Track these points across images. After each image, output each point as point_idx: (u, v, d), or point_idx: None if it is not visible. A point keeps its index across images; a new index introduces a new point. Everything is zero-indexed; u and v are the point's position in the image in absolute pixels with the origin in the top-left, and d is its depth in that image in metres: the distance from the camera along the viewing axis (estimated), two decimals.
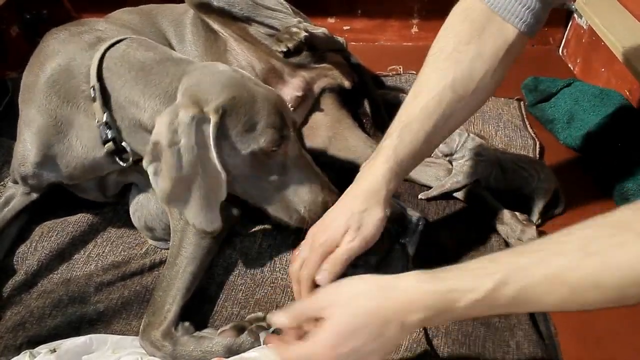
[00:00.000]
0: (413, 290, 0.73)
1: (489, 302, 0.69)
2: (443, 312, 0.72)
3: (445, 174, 1.29)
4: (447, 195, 1.28)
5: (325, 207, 1.00)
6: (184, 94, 0.93)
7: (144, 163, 0.92)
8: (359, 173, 0.99)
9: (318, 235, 0.95)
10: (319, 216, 0.99)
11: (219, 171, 0.91)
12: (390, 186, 0.96)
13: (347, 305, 0.75)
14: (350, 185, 0.98)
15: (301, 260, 0.96)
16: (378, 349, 0.75)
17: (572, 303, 0.67)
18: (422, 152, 1.00)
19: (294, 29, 1.23)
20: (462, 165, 1.24)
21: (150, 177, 0.92)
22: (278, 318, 0.82)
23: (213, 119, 0.90)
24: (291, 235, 1.17)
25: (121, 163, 1.04)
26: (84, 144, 1.05)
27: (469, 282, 0.70)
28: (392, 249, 1.06)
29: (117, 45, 1.03)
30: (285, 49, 1.21)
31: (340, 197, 0.98)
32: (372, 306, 0.74)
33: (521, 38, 0.97)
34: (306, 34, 1.22)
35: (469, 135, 1.24)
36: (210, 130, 0.90)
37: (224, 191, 0.93)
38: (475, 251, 1.17)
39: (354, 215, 0.94)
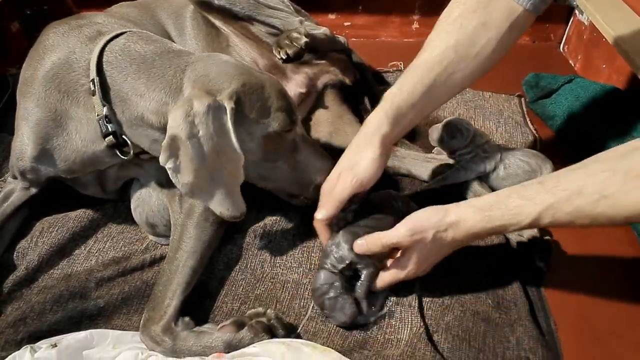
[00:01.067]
0: (474, 227, 0.93)
1: (525, 228, 0.92)
2: (493, 234, 0.99)
3: (446, 170, 1.28)
4: (447, 190, 1.28)
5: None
6: (195, 85, 0.94)
7: (161, 159, 0.91)
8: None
9: (326, 185, 1.05)
10: None
11: (239, 154, 0.94)
12: (385, 130, 1.03)
13: (430, 241, 0.95)
14: None
15: (320, 208, 1.05)
16: (443, 256, 1.00)
17: (590, 225, 0.87)
18: (422, 104, 1.05)
19: (295, 34, 1.23)
20: (466, 160, 1.24)
21: (169, 173, 0.93)
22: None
23: (229, 105, 0.92)
24: (291, 231, 1.18)
25: (122, 156, 1.04)
26: (83, 137, 1.05)
27: (512, 220, 0.90)
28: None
29: (117, 38, 1.03)
30: (285, 56, 1.21)
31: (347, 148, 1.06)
32: (448, 239, 0.95)
33: (526, 14, 1.02)
34: (306, 40, 1.22)
35: (476, 131, 1.24)
36: (228, 116, 0.92)
37: (243, 173, 0.97)
38: (474, 246, 1.17)
39: (348, 159, 1.04)
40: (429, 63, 1.04)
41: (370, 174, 1.02)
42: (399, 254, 1.00)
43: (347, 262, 1.00)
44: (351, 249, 0.99)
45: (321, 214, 1.04)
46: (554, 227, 1.10)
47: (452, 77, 1.04)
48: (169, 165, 0.92)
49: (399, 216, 1.01)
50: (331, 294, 1.00)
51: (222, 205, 0.97)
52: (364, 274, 1.01)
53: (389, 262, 1.02)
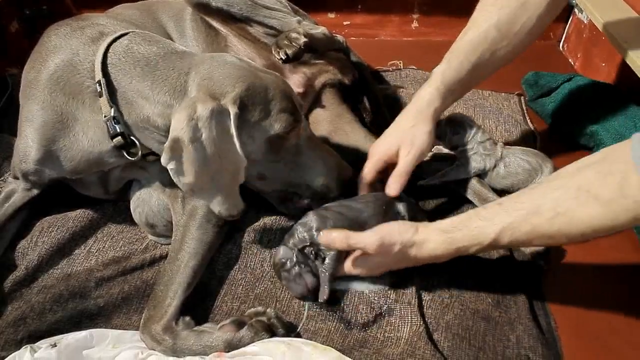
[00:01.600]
0: (433, 248, 0.95)
1: (489, 249, 0.97)
2: (457, 255, 0.96)
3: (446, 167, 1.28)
4: (446, 187, 1.28)
5: (341, 179, 1.11)
6: (199, 88, 0.95)
7: (163, 160, 0.92)
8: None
9: (375, 149, 1.14)
10: (336, 188, 1.11)
11: (242, 157, 0.95)
12: (436, 104, 1.11)
13: (389, 254, 0.96)
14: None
15: (364, 168, 1.14)
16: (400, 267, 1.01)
17: (551, 244, 0.94)
18: (467, 80, 1.14)
19: (294, 35, 1.23)
20: (467, 158, 1.24)
21: (171, 174, 0.94)
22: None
23: (233, 110, 0.93)
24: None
25: (129, 157, 1.04)
26: (90, 138, 1.05)
27: (474, 241, 0.92)
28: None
29: (120, 39, 1.03)
30: (284, 57, 1.21)
31: (395, 120, 1.14)
32: (409, 256, 0.97)
33: None
34: (305, 39, 1.22)
35: (479, 128, 1.24)
36: (232, 120, 0.93)
37: (243, 175, 0.98)
38: None
39: (405, 132, 1.11)
40: (474, 41, 1.11)
41: (426, 146, 1.11)
42: (357, 252, 1.01)
43: (307, 244, 1.02)
44: (317, 231, 1.01)
45: (396, 190, 1.09)
46: (515, 246, 1.13)
47: (495, 54, 1.11)
48: (170, 167, 0.92)
49: (382, 215, 1.06)
50: (287, 267, 1.03)
51: (221, 205, 0.99)
52: (328, 256, 1.02)
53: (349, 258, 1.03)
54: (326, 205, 1.08)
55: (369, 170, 1.13)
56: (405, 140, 1.10)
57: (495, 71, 1.18)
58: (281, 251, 1.04)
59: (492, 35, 1.09)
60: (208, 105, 0.91)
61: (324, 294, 1.01)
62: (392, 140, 1.12)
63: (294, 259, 1.03)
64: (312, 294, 1.04)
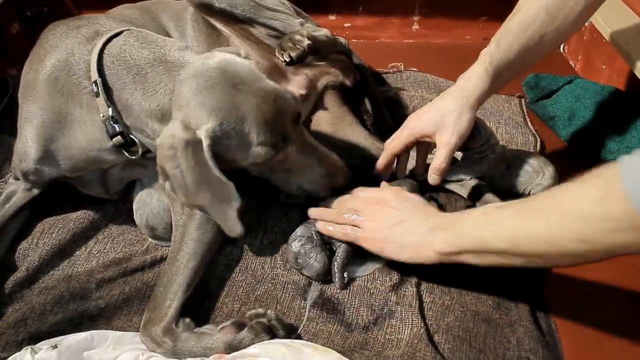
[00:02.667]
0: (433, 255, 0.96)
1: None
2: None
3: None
4: (447, 189, 1.28)
5: (330, 190, 1.12)
6: (177, 114, 0.94)
7: (160, 180, 0.96)
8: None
9: (411, 122, 1.14)
10: (322, 199, 1.13)
11: (225, 183, 0.95)
12: (484, 88, 1.09)
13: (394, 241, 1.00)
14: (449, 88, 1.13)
15: (393, 136, 1.16)
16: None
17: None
18: (516, 65, 1.12)
19: (297, 37, 1.23)
20: (475, 160, 1.23)
21: (167, 193, 0.98)
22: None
23: (205, 142, 0.92)
24: (292, 232, 1.17)
25: (129, 156, 1.05)
26: (88, 137, 1.05)
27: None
28: None
29: (115, 39, 1.03)
30: (288, 59, 1.21)
31: (437, 97, 1.12)
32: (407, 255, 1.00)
33: None
34: (309, 42, 1.22)
35: (491, 132, 1.22)
36: (205, 153, 0.92)
37: (237, 198, 0.97)
38: None
39: (447, 116, 1.08)
40: (523, 24, 1.09)
41: (467, 133, 1.10)
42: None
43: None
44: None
45: (437, 179, 1.12)
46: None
47: (543, 37, 1.09)
48: (166, 187, 0.96)
49: None
50: (307, 244, 1.07)
51: (223, 226, 1.00)
52: (340, 247, 1.07)
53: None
54: None
55: (399, 142, 1.15)
56: (446, 125, 1.08)
57: (541, 59, 1.18)
58: (299, 230, 1.10)
59: (542, 18, 1.08)
60: (183, 137, 0.91)
61: (340, 281, 1.06)
62: (431, 120, 1.10)
63: (312, 237, 1.07)
64: (322, 275, 1.07)
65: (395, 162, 1.22)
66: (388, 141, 1.17)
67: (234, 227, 0.98)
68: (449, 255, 0.94)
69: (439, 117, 1.09)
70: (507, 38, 1.10)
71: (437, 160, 1.10)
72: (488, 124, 1.51)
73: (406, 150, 1.17)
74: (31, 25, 1.90)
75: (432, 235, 0.96)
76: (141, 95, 0.98)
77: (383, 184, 1.14)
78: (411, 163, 1.25)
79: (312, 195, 1.12)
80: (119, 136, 1.01)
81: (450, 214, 1.00)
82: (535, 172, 1.20)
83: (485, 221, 0.89)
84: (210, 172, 0.93)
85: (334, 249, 1.09)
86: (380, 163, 1.20)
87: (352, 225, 1.06)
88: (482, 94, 1.09)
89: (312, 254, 1.07)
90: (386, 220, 1.02)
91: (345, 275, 1.08)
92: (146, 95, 0.98)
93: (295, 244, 1.09)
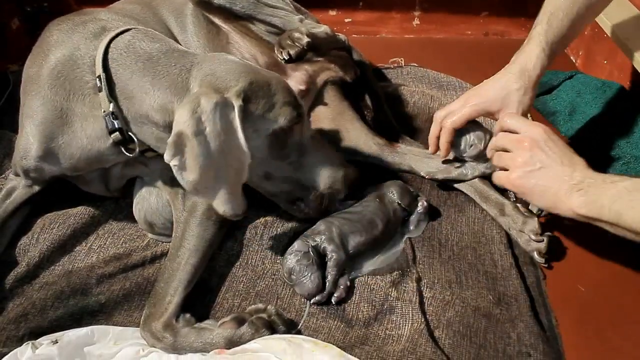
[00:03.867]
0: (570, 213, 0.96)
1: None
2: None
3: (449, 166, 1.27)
4: (449, 185, 1.28)
5: (346, 182, 1.10)
6: (202, 82, 0.94)
7: (166, 156, 0.90)
8: (512, 58, 1.16)
9: (472, 98, 1.15)
10: (340, 192, 1.11)
11: (246, 152, 0.94)
12: (543, 66, 1.12)
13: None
14: (506, 66, 1.15)
15: (448, 110, 1.17)
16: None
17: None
18: (568, 36, 1.16)
19: (297, 34, 1.23)
20: (477, 161, 1.22)
21: (174, 171, 0.91)
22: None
23: (237, 103, 0.92)
24: (292, 227, 1.18)
25: (127, 154, 1.04)
26: (89, 135, 1.05)
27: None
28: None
29: (122, 35, 1.02)
30: (287, 57, 1.21)
31: (497, 73, 1.15)
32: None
33: None
34: (308, 39, 1.21)
35: (491, 134, 1.21)
36: (236, 113, 0.92)
37: (247, 172, 0.96)
38: (476, 243, 1.17)
39: (511, 94, 1.11)
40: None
41: (528, 112, 1.15)
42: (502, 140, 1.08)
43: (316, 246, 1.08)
44: (326, 237, 1.07)
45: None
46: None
47: (590, 9, 1.15)
48: (174, 163, 0.90)
49: (382, 208, 1.13)
50: (303, 260, 1.05)
51: (225, 204, 0.96)
52: (331, 259, 1.06)
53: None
54: (331, 215, 1.13)
55: (461, 117, 1.15)
56: (511, 103, 1.11)
57: (589, 23, 1.23)
58: (296, 244, 1.08)
59: None
60: (212, 99, 0.90)
61: (338, 293, 1.05)
62: (496, 97, 1.13)
63: (309, 254, 1.06)
64: (312, 296, 1.05)
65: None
66: (441, 115, 1.17)
67: (241, 202, 0.97)
68: (586, 218, 0.95)
69: (505, 94, 1.12)
70: (557, 16, 1.13)
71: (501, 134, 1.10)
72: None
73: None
74: (31, 21, 1.90)
75: (572, 195, 0.95)
76: (150, 81, 0.97)
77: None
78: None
79: (329, 195, 1.11)
80: (118, 132, 1.01)
81: (594, 174, 0.97)
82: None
83: (628, 200, 0.89)
84: (235, 138, 0.92)
85: (326, 260, 1.07)
86: (443, 141, 1.18)
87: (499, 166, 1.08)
88: (539, 74, 1.13)
89: (306, 273, 1.05)
90: (533, 162, 1.01)
91: (341, 287, 1.06)
92: (156, 79, 0.97)
93: (291, 258, 1.07)
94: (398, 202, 1.17)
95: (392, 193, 1.17)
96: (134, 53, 1.00)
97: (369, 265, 1.12)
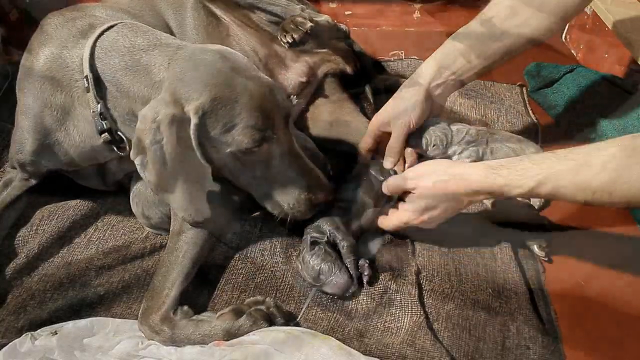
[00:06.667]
0: (478, 182, 0.96)
1: (530, 194, 0.93)
2: (498, 196, 0.99)
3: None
4: None
5: (310, 205, 1.04)
6: (167, 88, 0.93)
7: (131, 155, 0.93)
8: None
9: (372, 120, 1.21)
10: (302, 213, 1.05)
11: (203, 165, 0.94)
12: (434, 72, 1.15)
13: (429, 188, 1.02)
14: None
15: (364, 136, 1.23)
16: (447, 215, 1.05)
17: (588, 203, 0.88)
18: (472, 53, 1.15)
19: (300, 19, 1.22)
20: (456, 156, 1.22)
21: (137, 168, 0.93)
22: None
23: (194, 120, 0.90)
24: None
25: (119, 152, 1.04)
26: (81, 133, 1.05)
27: (516, 181, 0.92)
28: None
29: (108, 32, 1.02)
30: (290, 40, 1.21)
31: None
32: (448, 189, 1.00)
33: None
34: (311, 24, 1.21)
35: (453, 130, 1.20)
36: (191, 131, 0.91)
37: (210, 182, 0.96)
38: (474, 234, 1.17)
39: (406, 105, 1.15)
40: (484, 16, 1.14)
41: (418, 116, 1.16)
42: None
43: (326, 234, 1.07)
44: (332, 227, 1.07)
45: (389, 163, 1.18)
46: (555, 198, 1.03)
47: (521, 28, 1.12)
48: (137, 161, 0.93)
49: (371, 191, 1.12)
50: (327, 258, 1.03)
51: (184, 210, 0.98)
52: (344, 247, 1.06)
53: (391, 210, 1.11)
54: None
55: (365, 139, 1.22)
56: (402, 114, 1.15)
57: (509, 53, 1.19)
58: (308, 242, 1.06)
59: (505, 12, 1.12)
60: (169, 111, 0.89)
61: (367, 272, 1.06)
62: (387, 110, 1.18)
63: (326, 249, 1.05)
64: (345, 292, 1.04)
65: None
66: (360, 144, 1.24)
67: (202, 210, 0.98)
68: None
69: (402, 108, 1.16)
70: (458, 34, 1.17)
71: (388, 145, 1.17)
72: (489, 112, 1.52)
73: (375, 145, 1.23)
74: (30, 11, 1.89)
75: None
76: (131, 81, 0.97)
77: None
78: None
79: (290, 213, 1.05)
80: (107, 133, 1.01)
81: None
82: (516, 154, 1.19)
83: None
84: (191, 151, 0.92)
85: (339, 249, 1.07)
86: (362, 158, 1.24)
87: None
88: (429, 80, 1.16)
89: (334, 269, 1.02)
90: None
91: (366, 266, 1.06)
92: (137, 78, 0.96)
93: (315, 260, 1.03)
94: (380, 179, 1.13)
95: (373, 171, 1.15)
96: (117, 51, 0.99)
97: (374, 247, 1.13)
